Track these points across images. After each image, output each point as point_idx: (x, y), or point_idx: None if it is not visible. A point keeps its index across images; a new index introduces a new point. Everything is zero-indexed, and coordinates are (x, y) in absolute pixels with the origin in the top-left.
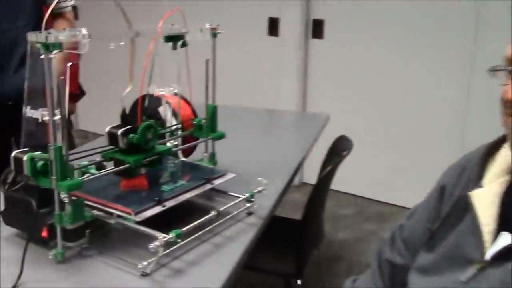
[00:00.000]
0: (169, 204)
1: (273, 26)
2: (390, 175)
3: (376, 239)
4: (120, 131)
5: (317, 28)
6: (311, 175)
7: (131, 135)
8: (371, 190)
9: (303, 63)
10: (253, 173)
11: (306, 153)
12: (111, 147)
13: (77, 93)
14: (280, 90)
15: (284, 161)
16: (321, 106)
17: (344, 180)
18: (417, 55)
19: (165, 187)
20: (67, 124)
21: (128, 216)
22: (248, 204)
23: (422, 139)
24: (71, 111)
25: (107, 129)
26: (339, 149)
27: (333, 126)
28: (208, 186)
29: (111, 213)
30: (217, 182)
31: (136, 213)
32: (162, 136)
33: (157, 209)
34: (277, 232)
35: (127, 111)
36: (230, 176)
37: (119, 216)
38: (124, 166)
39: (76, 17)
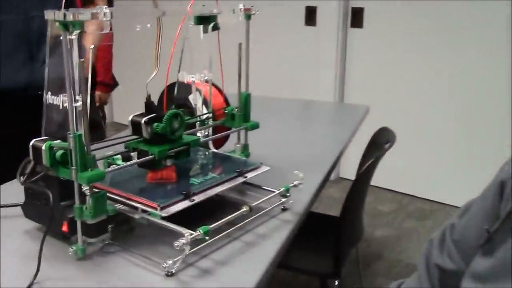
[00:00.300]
0: (198, 198)
1: (311, 15)
2: (432, 170)
3: (417, 238)
4: (143, 120)
5: (356, 17)
6: (347, 169)
7: (155, 124)
8: (412, 186)
9: (341, 53)
10: (287, 166)
11: (344, 146)
12: (135, 137)
13: (111, 84)
14: (317, 81)
15: (321, 154)
16: (359, 97)
17: (383, 175)
18: (462, 45)
19: (194, 180)
20: (100, 115)
21: (153, 211)
22: (283, 199)
23: (467, 133)
24: (105, 102)
25: (130, 117)
26: (381, 141)
27: (372, 119)
28: (241, 180)
29: (135, 207)
30: (250, 175)
31: (162, 208)
32: (192, 126)
33: (185, 204)
34: (313, 229)
35: (157, 100)
36: (264, 169)
37: (143, 211)
38: (147, 158)
39: (110, 3)
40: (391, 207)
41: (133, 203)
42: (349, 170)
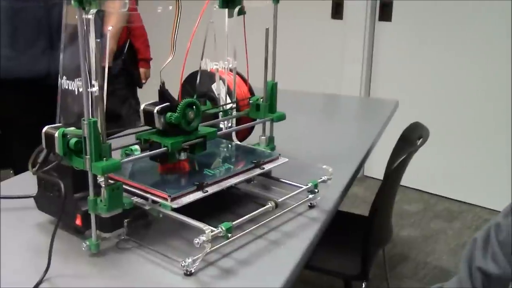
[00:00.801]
0: (211, 189)
1: (338, 9)
2: (461, 169)
3: (445, 239)
4: (156, 109)
5: (384, 10)
6: (372, 167)
7: (169, 114)
8: (439, 186)
9: (369, 47)
10: (313, 161)
11: (374, 142)
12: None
13: (151, 59)
14: (342, 76)
15: (348, 150)
16: (386, 92)
17: (409, 173)
18: (497, 39)
19: (208, 171)
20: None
21: (164, 202)
22: (310, 196)
23: (498, 131)
24: (147, 76)
25: (143, 106)
26: (412, 137)
27: (398, 114)
28: (257, 171)
29: (147, 199)
30: (268, 166)
31: (173, 199)
32: (215, 116)
33: (197, 195)
34: (340, 228)
35: (177, 89)
36: (282, 160)
37: (154, 202)
38: (160, 150)
39: None
40: (417, 207)
41: (143, 194)
42: (374, 168)
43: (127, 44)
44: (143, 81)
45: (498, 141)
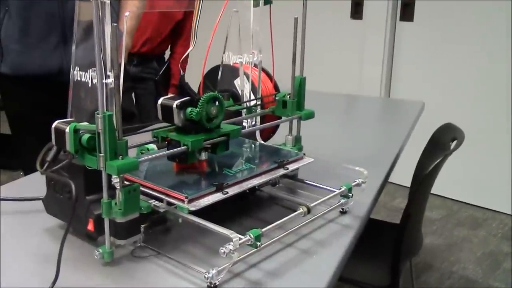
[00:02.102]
0: (231, 191)
1: (357, 8)
2: (485, 175)
3: (470, 248)
4: (175, 103)
5: (406, 10)
6: (393, 172)
7: (189, 109)
8: (462, 192)
9: (389, 48)
10: (342, 164)
11: (402, 144)
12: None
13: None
14: (362, 76)
15: (377, 153)
16: (407, 94)
17: None
18: None
19: (228, 171)
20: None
21: (180, 204)
22: (343, 200)
23: None
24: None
25: (160, 100)
26: (444, 140)
27: (421, 117)
28: (281, 172)
29: (162, 201)
30: (292, 167)
31: (190, 201)
32: (238, 114)
33: (217, 197)
34: (367, 236)
35: (197, 85)
36: (308, 160)
37: (169, 204)
38: (179, 149)
39: None
40: (440, 214)
41: (160, 196)
42: (394, 173)
43: (167, 61)
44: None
45: None
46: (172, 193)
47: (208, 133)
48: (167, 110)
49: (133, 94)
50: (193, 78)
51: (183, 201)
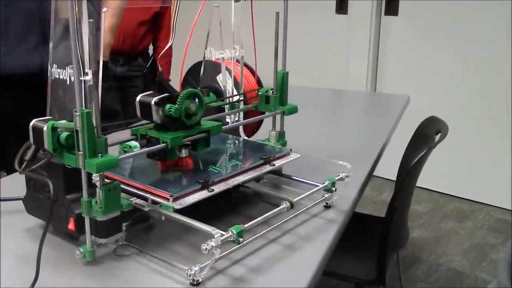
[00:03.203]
0: (217, 188)
1: (342, 3)
2: (471, 168)
3: (457, 240)
4: (154, 100)
5: (391, 4)
6: (380, 166)
7: (168, 106)
8: (449, 185)
9: (375, 42)
10: (326, 158)
11: (387, 138)
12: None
13: (169, 80)
14: (348, 71)
15: (361, 146)
16: (392, 88)
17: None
18: (504, 34)
19: (214, 168)
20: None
21: (165, 203)
22: (327, 195)
23: (509, 128)
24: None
25: (139, 97)
26: (429, 133)
27: (405, 111)
28: (267, 168)
29: (146, 199)
30: (278, 163)
31: (175, 199)
32: (221, 110)
33: (202, 195)
34: (353, 230)
35: (179, 81)
36: (294, 156)
37: (154, 203)
38: (158, 146)
39: None
40: (427, 207)
41: (143, 194)
42: (381, 167)
43: (151, 56)
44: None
45: (509, 137)
46: (157, 192)
47: (187, 130)
48: (145, 107)
49: (116, 92)
50: (175, 74)
51: (168, 199)
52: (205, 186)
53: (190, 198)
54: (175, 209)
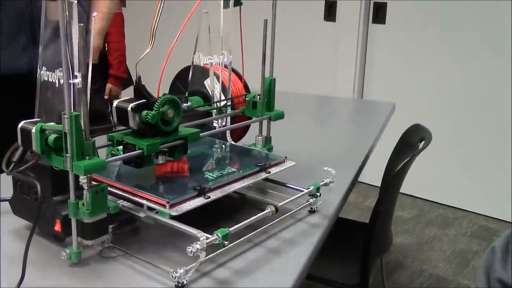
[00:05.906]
0: (214, 195)
1: (330, 10)
2: (455, 175)
3: (440, 246)
4: (130, 106)
5: (378, 13)
6: (364, 172)
7: (145, 112)
8: (432, 192)
9: (362, 50)
10: (312, 164)
11: (372, 144)
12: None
13: (124, 78)
14: (335, 78)
15: (347, 153)
16: (379, 95)
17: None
18: (491, 42)
19: (210, 174)
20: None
21: (162, 209)
22: (312, 200)
23: (493, 136)
24: (115, 96)
25: (116, 103)
26: (413, 140)
27: (391, 118)
28: (263, 175)
29: (140, 205)
30: (274, 170)
31: (172, 206)
32: (208, 114)
33: (199, 202)
34: (337, 235)
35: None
36: (289, 164)
37: (150, 209)
38: (134, 153)
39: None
40: (411, 214)
41: (138, 200)
42: (367, 173)
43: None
44: (106, 97)
45: (492, 145)
46: (153, 198)
47: (165, 136)
48: (122, 113)
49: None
50: (153, 80)
51: (164, 206)
52: (201, 193)
53: (187, 204)
54: (171, 215)
